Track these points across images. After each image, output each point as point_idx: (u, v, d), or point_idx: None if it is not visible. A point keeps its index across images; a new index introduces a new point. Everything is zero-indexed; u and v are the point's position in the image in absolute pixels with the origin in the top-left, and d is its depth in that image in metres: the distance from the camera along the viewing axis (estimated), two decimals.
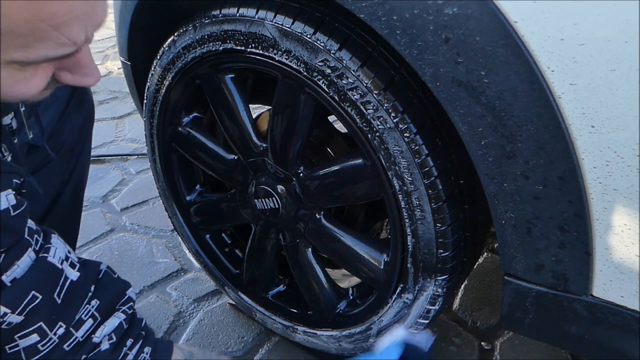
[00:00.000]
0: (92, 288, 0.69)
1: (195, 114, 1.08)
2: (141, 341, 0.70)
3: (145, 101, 1.09)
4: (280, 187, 0.94)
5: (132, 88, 1.23)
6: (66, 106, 1.00)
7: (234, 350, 1.19)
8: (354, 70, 0.74)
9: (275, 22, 0.79)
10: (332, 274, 1.04)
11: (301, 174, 0.91)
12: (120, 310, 0.70)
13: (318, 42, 0.76)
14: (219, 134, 1.11)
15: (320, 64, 0.76)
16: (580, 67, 0.55)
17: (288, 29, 0.78)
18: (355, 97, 0.75)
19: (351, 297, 1.01)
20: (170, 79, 1.00)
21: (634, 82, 0.53)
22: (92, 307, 0.68)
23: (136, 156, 2.04)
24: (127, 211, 1.72)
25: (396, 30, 0.64)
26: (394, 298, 0.89)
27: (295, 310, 1.10)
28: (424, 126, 0.74)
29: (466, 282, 1.34)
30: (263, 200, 0.97)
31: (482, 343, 1.19)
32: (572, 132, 0.58)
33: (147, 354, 0.70)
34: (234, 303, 1.26)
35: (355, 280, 1.11)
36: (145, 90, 1.08)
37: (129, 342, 0.69)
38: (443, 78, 0.63)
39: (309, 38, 0.76)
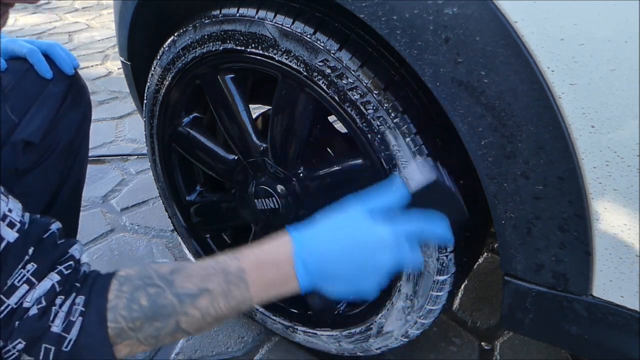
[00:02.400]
0: (31, 251, 0.62)
1: (195, 114, 1.08)
2: (74, 294, 0.62)
3: (145, 101, 1.09)
4: (280, 187, 0.94)
5: (132, 88, 1.23)
6: (62, 103, 1.00)
7: (234, 350, 1.19)
8: (353, 70, 0.74)
9: (275, 22, 0.79)
10: None
11: (301, 174, 0.91)
12: (56, 271, 0.63)
13: (318, 42, 0.76)
14: (219, 134, 1.12)
15: (320, 64, 0.77)
16: (580, 67, 0.55)
17: (288, 29, 0.78)
18: (355, 97, 0.75)
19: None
20: (170, 79, 1.00)
21: (634, 82, 0.53)
22: (28, 271, 0.61)
23: (136, 156, 2.04)
24: (127, 211, 1.72)
25: (396, 30, 0.64)
26: (394, 298, 0.89)
27: (295, 310, 1.10)
28: (424, 126, 0.74)
29: (466, 282, 1.34)
30: (263, 200, 0.97)
31: (482, 343, 1.19)
32: (572, 132, 0.58)
33: (79, 304, 0.61)
34: None
35: None
36: (145, 90, 1.08)
37: (59, 300, 0.61)
38: (443, 78, 0.63)
39: (309, 38, 0.76)
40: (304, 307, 1.07)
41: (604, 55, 0.53)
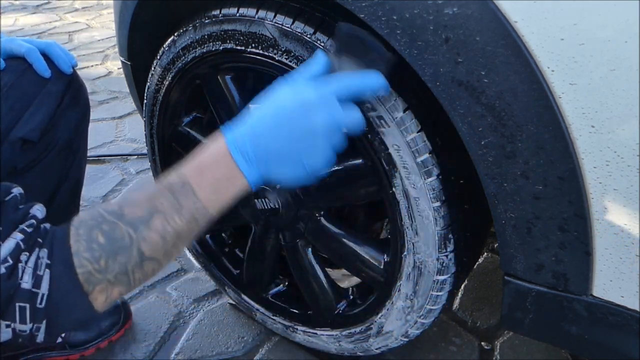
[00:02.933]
0: None
1: (195, 114, 1.08)
2: (37, 248, 0.61)
3: (145, 101, 1.09)
4: (280, 187, 0.94)
5: (132, 88, 1.23)
6: (60, 102, 1.00)
7: (234, 350, 1.19)
8: None
9: (276, 22, 0.79)
10: (332, 274, 1.04)
11: None
12: (18, 229, 0.61)
13: (318, 42, 0.76)
14: None
15: None
16: (580, 67, 0.55)
17: (288, 29, 0.78)
18: None
19: (351, 297, 1.01)
20: (170, 79, 1.00)
21: (634, 82, 0.53)
22: None
23: (136, 156, 2.04)
24: None
25: (396, 30, 0.64)
26: (394, 298, 0.89)
27: (295, 310, 1.10)
28: (424, 126, 0.74)
29: (466, 282, 1.34)
30: (263, 200, 0.97)
31: (482, 343, 1.19)
32: (572, 132, 0.58)
33: (43, 257, 0.60)
34: (234, 303, 1.26)
35: (355, 280, 1.11)
36: (145, 90, 1.08)
37: (24, 256, 0.60)
38: (443, 78, 0.63)
39: (309, 38, 0.76)
40: (304, 307, 1.07)
41: (604, 55, 0.53)
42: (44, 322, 0.61)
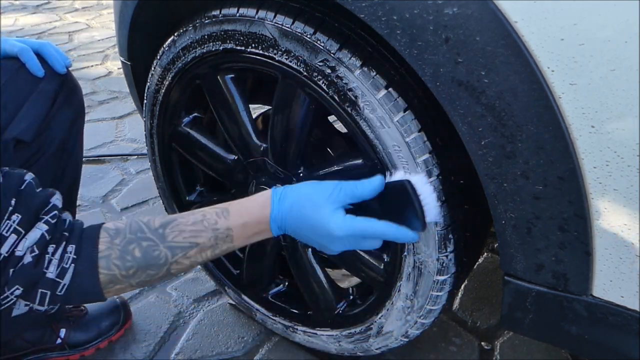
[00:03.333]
0: (13, 202, 0.66)
1: (195, 114, 1.08)
2: (64, 242, 0.67)
3: (145, 101, 1.09)
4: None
5: (132, 88, 1.23)
6: (54, 102, 0.99)
7: (234, 350, 1.19)
8: (353, 70, 0.74)
9: (276, 22, 0.79)
10: (332, 274, 1.04)
11: (301, 174, 0.91)
12: (43, 221, 0.67)
13: (318, 42, 0.76)
14: (219, 134, 1.11)
15: (320, 64, 0.77)
16: (580, 67, 0.55)
17: (288, 29, 0.78)
18: (354, 96, 0.75)
19: (351, 297, 1.01)
20: (170, 79, 1.00)
21: (634, 82, 0.53)
22: (14, 222, 0.65)
23: (136, 156, 2.04)
24: (127, 211, 1.72)
25: (396, 30, 0.64)
26: (394, 298, 0.89)
27: (295, 310, 1.10)
28: (424, 126, 0.74)
29: (466, 282, 1.34)
30: None
31: (482, 343, 1.19)
32: (572, 132, 0.58)
33: (70, 252, 0.67)
34: (234, 303, 1.26)
35: (355, 280, 1.11)
36: (145, 90, 1.08)
37: (51, 248, 0.66)
38: (443, 78, 0.63)
39: (309, 38, 0.76)
40: (304, 307, 1.07)
41: (604, 55, 0.53)
42: (59, 305, 0.68)
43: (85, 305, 1.24)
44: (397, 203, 0.72)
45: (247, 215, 0.74)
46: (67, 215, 0.71)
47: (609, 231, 0.61)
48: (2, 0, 4.79)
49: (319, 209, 0.72)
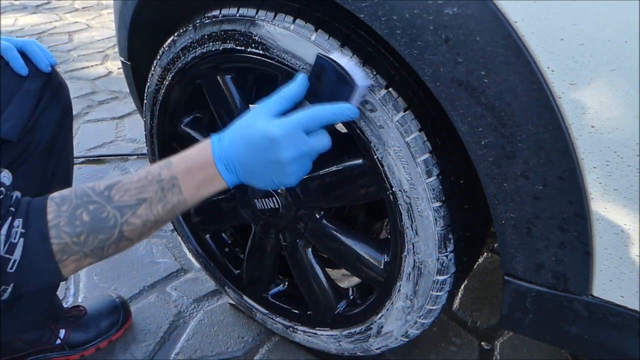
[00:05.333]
0: None
1: (195, 114, 1.08)
2: (10, 218, 0.64)
3: (145, 101, 1.09)
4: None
5: (132, 88, 1.23)
6: (39, 101, 0.98)
7: (234, 350, 1.19)
8: None
9: (276, 23, 0.79)
10: (332, 274, 1.04)
11: None
12: None
13: (318, 42, 0.76)
14: None
15: None
16: (580, 67, 0.55)
17: (288, 29, 0.78)
18: None
19: (351, 297, 1.01)
20: (170, 79, 1.00)
21: (634, 82, 0.53)
22: None
23: (136, 156, 2.04)
24: None
25: (396, 30, 0.64)
26: (394, 298, 0.89)
27: (295, 310, 1.10)
28: (424, 126, 0.74)
29: (466, 282, 1.34)
30: (263, 200, 0.97)
31: (482, 343, 1.19)
32: (572, 132, 0.58)
33: (18, 227, 0.64)
34: (234, 303, 1.26)
35: (355, 280, 1.11)
36: (145, 90, 1.08)
37: None
38: (443, 78, 0.63)
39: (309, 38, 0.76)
40: (304, 307, 1.07)
41: (604, 55, 0.53)
42: (12, 284, 0.65)
43: (84, 305, 1.24)
44: (324, 87, 0.72)
45: (189, 160, 0.71)
46: (15, 193, 0.68)
47: (609, 231, 0.61)
48: (2, 0, 4.79)
49: (255, 123, 0.70)
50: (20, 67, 0.95)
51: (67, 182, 1.09)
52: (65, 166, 1.07)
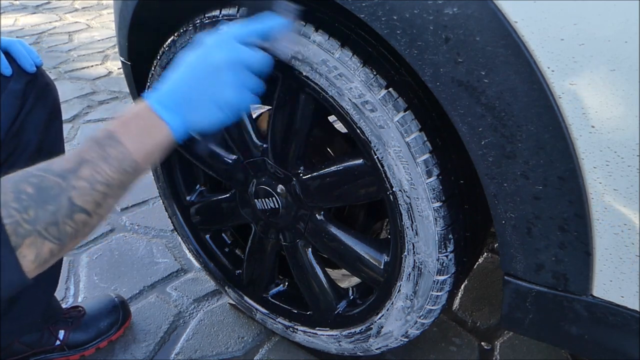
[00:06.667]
0: None
1: None
2: None
3: None
4: (280, 187, 0.94)
5: (132, 88, 1.23)
6: (24, 102, 0.96)
7: (234, 350, 1.19)
8: (354, 70, 0.74)
9: None
10: (332, 274, 1.04)
11: (301, 174, 0.91)
12: None
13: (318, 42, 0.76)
14: None
15: (320, 63, 0.76)
16: (580, 67, 0.55)
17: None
18: (354, 96, 0.75)
19: (351, 297, 1.01)
20: None
21: (634, 82, 0.53)
22: None
23: None
24: (127, 211, 1.72)
25: (396, 30, 0.64)
26: (394, 298, 0.89)
27: (295, 310, 1.10)
28: (424, 126, 0.74)
29: (466, 282, 1.34)
30: (263, 200, 0.97)
31: (482, 343, 1.19)
32: (572, 132, 0.58)
33: None
34: (234, 303, 1.26)
35: (355, 280, 1.11)
36: (145, 90, 1.07)
37: None
38: (443, 78, 0.63)
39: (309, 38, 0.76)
40: (304, 307, 1.07)
41: (604, 55, 0.53)
42: None
43: (83, 305, 1.24)
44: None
45: (125, 113, 0.68)
46: None
47: (609, 231, 0.61)
48: (2, 0, 4.79)
49: (188, 53, 0.70)
50: (4, 67, 0.93)
51: None
52: None
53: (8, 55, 0.95)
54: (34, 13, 4.40)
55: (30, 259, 0.60)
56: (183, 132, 0.69)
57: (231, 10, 0.84)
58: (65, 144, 1.09)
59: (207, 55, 0.68)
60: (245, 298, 1.17)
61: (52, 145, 1.03)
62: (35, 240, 0.60)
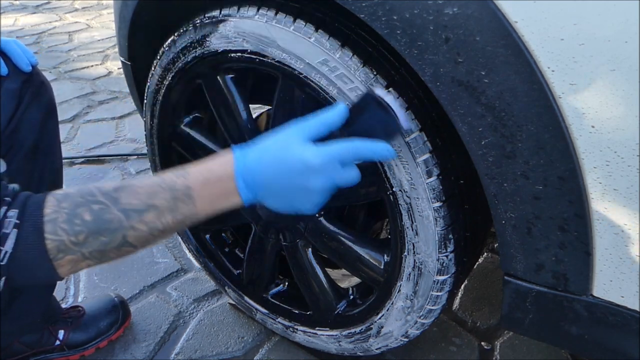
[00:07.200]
0: None
1: (195, 114, 1.08)
2: (5, 207, 0.62)
3: (145, 101, 1.09)
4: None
5: (132, 88, 1.23)
6: (20, 101, 0.96)
7: (234, 350, 1.19)
8: (354, 70, 0.74)
9: (276, 23, 0.79)
10: (332, 274, 1.04)
11: None
12: None
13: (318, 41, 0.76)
14: (219, 134, 1.11)
15: (321, 63, 0.76)
16: (580, 67, 0.55)
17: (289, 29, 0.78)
18: (355, 96, 0.75)
19: (351, 297, 1.01)
20: (170, 79, 1.00)
21: (634, 82, 0.53)
22: None
23: (136, 156, 2.04)
24: None
25: (396, 30, 0.64)
26: (394, 298, 0.89)
27: (295, 310, 1.10)
28: (424, 126, 0.74)
29: (466, 282, 1.34)
30: None
31: (482, 343, 1.19)
32: (572, 132, 0.58)
33: (12, 217, 0.61)
34: (234, 303, 1.26)
35: (355, 280, 1.11)
36: (145, 90, 1.08)
37: None
38: (443, 78, 0.63)
39: (309, 38, 0.76)
40: (304, 307, 1.07)
41: (604, 55, 0.53)
42: (4, 277, 0.62)
43: (82, 305, 1.24)
44: (366, 122, 0.69)
45: (207, 172, 0.67)
46: (13, 185, 0.66)
47: (609, 231, 0.61)
48: (2, 0, 4.79)
49: (290, 146, 0.66)
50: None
51: (56, 185, 1.07)
52: (53, 168, 1.05)
53: (3, 54, 0.95)
54: (34, 13, 4.40)
55: (66, 269, 0.64)
56: (252, 204, 0.70)
57: (231, 10, 0.84)
58: (64, 144, 1.09)
59: (307, 175, 0.66)
60: (245, 298, 1.17)
61: (48, 144, 1.03)
62: (76, 259, 0.64)
